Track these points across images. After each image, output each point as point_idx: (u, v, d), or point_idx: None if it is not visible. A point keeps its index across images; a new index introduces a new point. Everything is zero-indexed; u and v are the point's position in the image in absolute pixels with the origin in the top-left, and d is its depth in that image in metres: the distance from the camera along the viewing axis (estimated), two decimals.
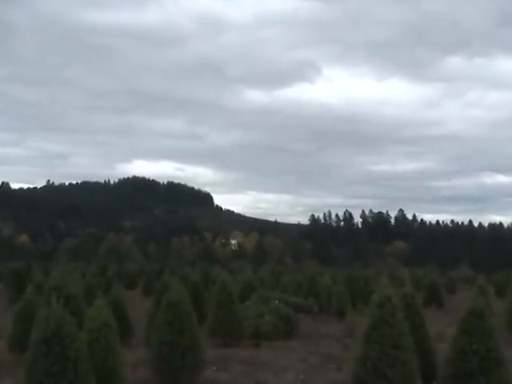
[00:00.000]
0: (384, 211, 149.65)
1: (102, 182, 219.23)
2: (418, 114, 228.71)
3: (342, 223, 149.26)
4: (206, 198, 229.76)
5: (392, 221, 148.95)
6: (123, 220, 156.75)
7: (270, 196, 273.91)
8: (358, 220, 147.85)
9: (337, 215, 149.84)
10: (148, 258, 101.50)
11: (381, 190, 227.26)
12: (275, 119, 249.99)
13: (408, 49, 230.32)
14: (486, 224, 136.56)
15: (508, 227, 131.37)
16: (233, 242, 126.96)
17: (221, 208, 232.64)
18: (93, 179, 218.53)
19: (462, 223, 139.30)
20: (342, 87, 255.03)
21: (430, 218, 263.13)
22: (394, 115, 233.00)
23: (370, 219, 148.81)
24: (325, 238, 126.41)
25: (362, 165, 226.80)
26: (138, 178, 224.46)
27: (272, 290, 23.97)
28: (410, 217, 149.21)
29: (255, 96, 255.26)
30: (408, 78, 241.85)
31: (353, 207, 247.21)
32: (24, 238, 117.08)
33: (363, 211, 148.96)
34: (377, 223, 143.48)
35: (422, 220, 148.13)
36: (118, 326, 8.14)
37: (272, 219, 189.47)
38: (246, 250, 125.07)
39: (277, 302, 17.94)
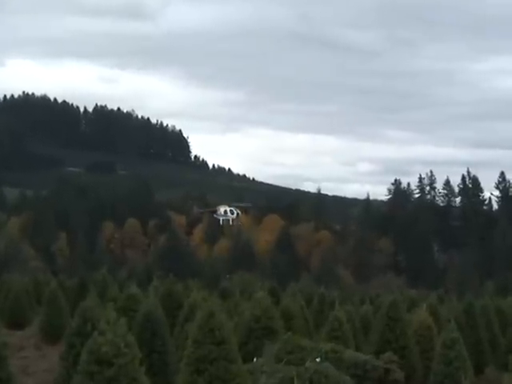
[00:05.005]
0: None
1: None
2: None
3: (458, 199, 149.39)
4: (175, 142, 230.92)
5: None
6: (2, 185, 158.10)
7: (299, 139, 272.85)
8: (489, 193, 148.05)
9: (447, 182, 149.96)
10: (54, 264, 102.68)
11: None
12: None
13: None
14: None
15: None
16: (222, 214, 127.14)
17: (204, 163, 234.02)
18: None
19: None
20: None
21: None
22: None
23: None
24: (421, 229, 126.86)
25: (487, 74, 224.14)
26: (30, 98, 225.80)
27: (309, 334, 24.13)
28: None
29: None
30: None
31: (480, 166, 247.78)
32: None
33: (503, 175, 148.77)
34: None
35: None
36: None
37: (308, 188, 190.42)
38: (253, 249, 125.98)
39: (319, 359, 18.16)
